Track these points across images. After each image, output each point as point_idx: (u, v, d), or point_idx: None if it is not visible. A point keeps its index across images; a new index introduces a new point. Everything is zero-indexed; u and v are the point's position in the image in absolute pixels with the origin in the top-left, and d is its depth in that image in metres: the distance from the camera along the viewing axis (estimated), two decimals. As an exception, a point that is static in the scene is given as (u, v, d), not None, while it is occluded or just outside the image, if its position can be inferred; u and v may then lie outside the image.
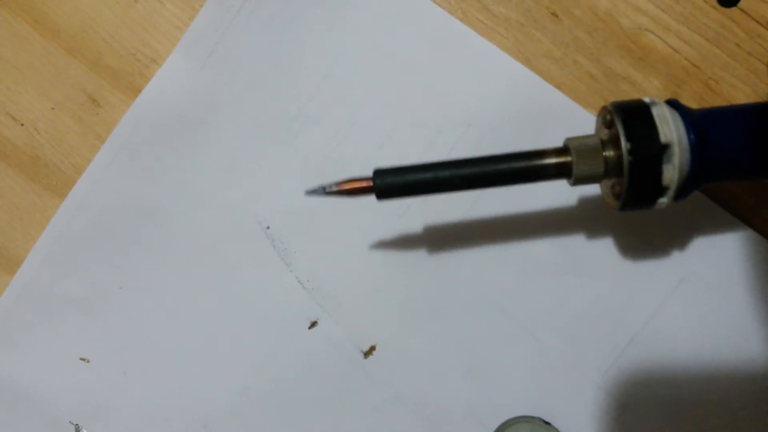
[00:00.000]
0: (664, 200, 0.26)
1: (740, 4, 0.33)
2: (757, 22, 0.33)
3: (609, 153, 0.26)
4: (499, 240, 0.35)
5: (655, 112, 0.25)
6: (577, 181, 0.26)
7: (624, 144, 0.25)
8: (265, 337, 0.36)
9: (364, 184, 0.27)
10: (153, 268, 0.37)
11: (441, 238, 0.35)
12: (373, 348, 0.35)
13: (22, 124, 0.38)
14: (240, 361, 0.36)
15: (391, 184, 0.27)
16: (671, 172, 0.25)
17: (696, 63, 0.34)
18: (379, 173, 0.27)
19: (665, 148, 0.25)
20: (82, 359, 0.37)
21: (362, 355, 0.35)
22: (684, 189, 0.26)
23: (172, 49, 0.37)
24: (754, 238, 0.33)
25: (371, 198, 0.35)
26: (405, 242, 0.35)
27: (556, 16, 0.34)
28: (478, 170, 0.26)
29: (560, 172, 0.26)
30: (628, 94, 0.34)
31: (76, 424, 0.37)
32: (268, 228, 0.36)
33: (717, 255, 0.33)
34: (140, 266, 0.37)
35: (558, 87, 0.35)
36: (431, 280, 0.35)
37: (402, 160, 0.28)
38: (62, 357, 0.37)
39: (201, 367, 0.36)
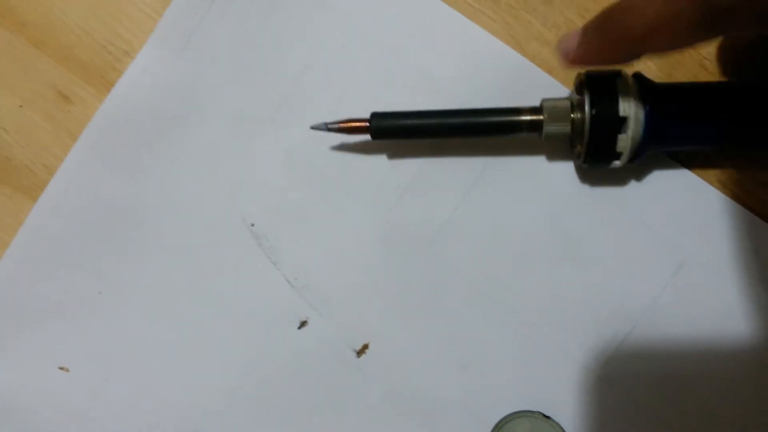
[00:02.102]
0: (618, 159, 0.30)
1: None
2: None
3: (576, 115, 0.30)
4: (494, 230, 0.34)
5: (619, 82, 0.29)
6: (547, 138, 0.30)
7: (587, 108, 0.28)
8: (254, 338, 0.35)
9: (361, 124, 0.31)
10: (133, 270, 0.35)
11: (433, 230, 0.34)
12: (366, 346, 0.34)
13: (-11, 124, 0.36)
14: (229, 363, 0.35)
15: (386, 126, 0.31)
16: (625, 137, 0.29)
17: (690, 43, 0.33)
18: (375, 116, 0.31)
19: (624, 119, 0.28)
20: (61, 368, 0.36)
21: (355, 354, 0.34)
22: (638, 151, 0.29)
23: (145, 40, 0.35)
24: (752, 220, 0.32)
25: (360, 188, 0.34)
26: (395, 236, 0.34)
27: (546, -4, 0.33)
28: (462, 120, 0.30)
29: (532, 128, 0.30)
30: (621, 76, 0.32)
31: (58, 436, 0.36)
32: (252, 225, 0.35)
33: (716, 238, 0.32)
34: (119, 269, 0.35)
35: (549, 72, 0.33)
36: (424, 273, 0.34)
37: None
38: (40, 365, 0.36)
39: (188, 371, 0.35)
